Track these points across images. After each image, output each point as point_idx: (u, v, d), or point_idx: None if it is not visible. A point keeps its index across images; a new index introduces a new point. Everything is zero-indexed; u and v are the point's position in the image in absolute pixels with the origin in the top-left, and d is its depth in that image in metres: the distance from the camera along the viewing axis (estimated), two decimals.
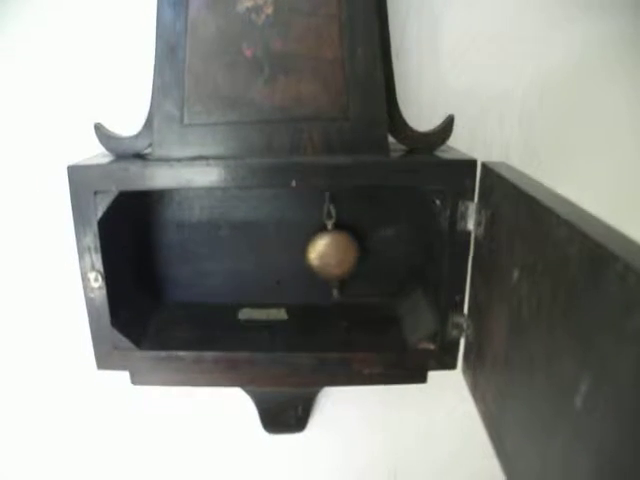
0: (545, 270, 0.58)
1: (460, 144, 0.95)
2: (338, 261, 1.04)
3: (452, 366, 0.94)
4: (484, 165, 0.80)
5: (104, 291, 0.89)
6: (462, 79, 1.03)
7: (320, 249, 1.03)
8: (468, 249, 0.86)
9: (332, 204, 1.03)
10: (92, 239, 0.87)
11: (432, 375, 0.96)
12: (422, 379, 0.97)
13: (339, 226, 1.04)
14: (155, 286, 1.10)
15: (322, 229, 1.04)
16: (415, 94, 1.03)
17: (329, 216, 1.03)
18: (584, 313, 0.49)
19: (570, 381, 0.50)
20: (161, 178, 0.84)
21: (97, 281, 0.88)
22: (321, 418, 1.24)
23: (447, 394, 1.23)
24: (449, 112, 0.91)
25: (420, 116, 0.99)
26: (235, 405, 1.22)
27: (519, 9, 1.00)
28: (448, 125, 0.90)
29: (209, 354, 0.95)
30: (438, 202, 0.85)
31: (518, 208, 0.67)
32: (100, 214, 0.86)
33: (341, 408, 1.24)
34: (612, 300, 0.44)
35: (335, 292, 1.08)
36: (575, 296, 0.51)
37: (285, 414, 1.15)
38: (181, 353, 0.95)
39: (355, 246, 1.04)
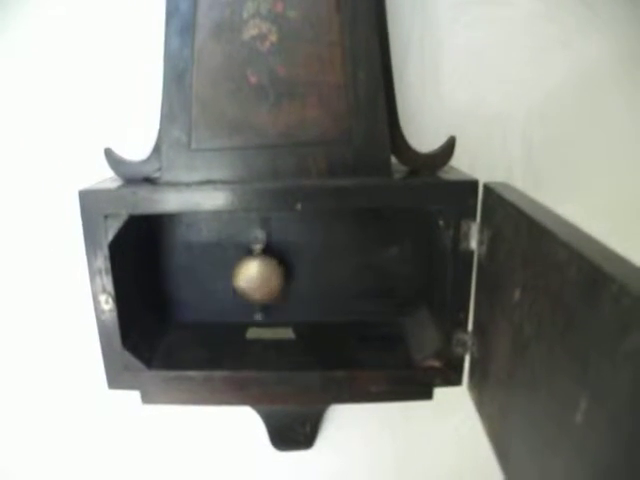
0: (545, 290, 0.59)
1: (462, 164, 0.96)
2: (260, 286, 1.04)
3: (457, 383, 0.95)
4: (486, 186, 0.82)
5: (115, 313, 0.91)
6: (464, 100, 1.04)
7: (247, 273, 1.04)
8: (471, 268, 0.87)
9: (262, 228, 1.05)
10: (103, 262, 0.88)
11: (437, 391, 0.97)
12: (428, 396, 0.97)
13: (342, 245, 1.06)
14: (164, 307, 1.11)
15: (249, 253, 1.06)
16: (417, 115, 1.04)
17: (257, 240, 1.05)
18: (581, 333, 0.50)
19: (570, 398, 0.51)
20: (170, 202, 0.86)
21: (108, 303, 0.90)
22: (329, 435, 1.24)
23: (453, 410, 1.23)
24: (451, 133, 0.92)
25: (422, 137, 1.00)
26: (244, 422, 1.23)
27: (520, 31, 1.01)
28: (450, 146, 0.91)
29: (218, 374, 0.96)
30: (441, 222, 0.86)
31: (518, 229, 0.68)
32: (110, 237, 0.87)
33: (348, 425, 1.24)
34: (608, 321, 0.45)
35: (258, 315, 1.09)
36: (573, 316, 0.52)
37: (293, 431, 1.15)
38: (191, 373, 0.96)
39: (280, 273, 1.05)
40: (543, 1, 1.00)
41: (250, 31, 0.86)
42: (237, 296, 1.06)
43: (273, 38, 0.86)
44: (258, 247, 1.05)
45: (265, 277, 1.04)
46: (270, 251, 1.06)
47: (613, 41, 1.01)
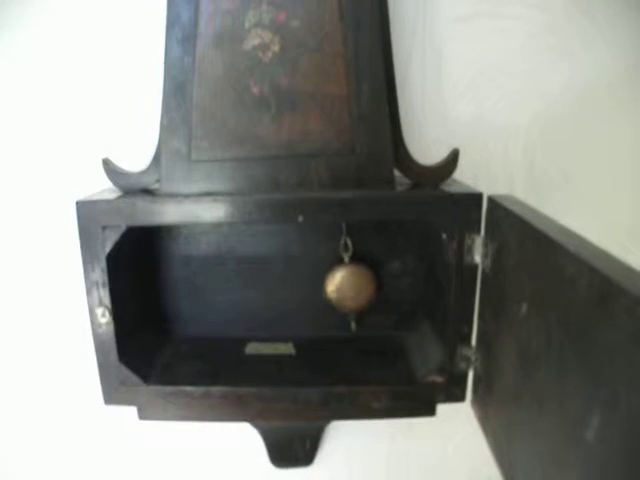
0: (554, 304, 0.58)
1: (465, 176, 0.95)
2: (355, 294, 1.03)
3: (461, 399, 0.93)
4: (490, 198, 0.81)
5: (112, 326, 0.89)
6: (466, 112, 1.04)
7: (338, 282, 1.03)
8: (475, 281, 0.86)
9: (349, 236, 1.03)
10: (100, 274, 0.87)
11: (439, 406, 0.96)
12: (431, 412, 0.96)
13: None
14: (162, 320, 1.10)
15: (339, 262, 1.04)
16: (419, 127, 1.03)
17: (346, 249, 1.04)
18: (593, 347, 0.49)
19: (581, 414, 0.50)
20: (169, 213, 0.85)
21: (105, 316, 0.88)
22: (329, 451, 1.23)
23: (455, 426, 1.22)
24: (453, 145, 0.92)
25: (425, 149, 1.00)
26: (242, 438, 1.21)
27: (522, 42, 1.01)
28: (453, 159, 0.91)
29: (217, 389, 0.94)
30: (445, 235, 0.85)
31: (525, 242, 0.67)
32: (108, 249, 0.86)
33: (349, 441, 1.23)
34: (621, 334, 0.44)
35: (353, 325, 1.08)
36: (584, 330, 0.51)
37: (293, 448, 1.14)
38: (188, 388, 0.94)
39: (372, 278, 1.04)
40: (544, 12, 0.99)
41: (252, 41, 0.85)
42: (327, 307, 1.06)
43: (275, 48, 0.85)
44: (347, 255, 1.04)
45: (359, 283, 1.04)
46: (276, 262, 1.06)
47: (614, 52, 1.01)
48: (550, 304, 0.59)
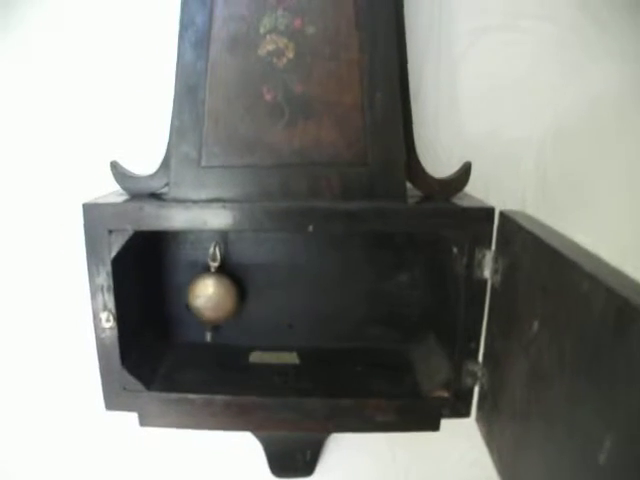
0: (568, 323, 0.57)
1: (476, 189, 0.94)
2: (214, 305, 1.03)
3: (466, 414, 0.92)
4: (502, 214, 0.80)
5: (115, 331, 0.88)
6: (479, 125, 1.04)
7: (200, 291, 1.03)
8: (484, 297, 0.85)
9: (218, 247, 1.03)
10: (105, 278, 0.86)
11: (443, 421, 0.95)
12: (435, 427, 0.95)
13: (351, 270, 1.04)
14: (166, 326, 1.09)
15: (206, 271, 1.04)
16: (432, 139, 1.03)
17: (214, 258, 1.03)
18: (608, 368, 0.48)
19: (593, 437, 0.49)
20: (176, 219, 0.84)
21: (109, 321, 0.87)
22: (329, 463, 1.22)
23: (457, 441, 1.21)
24: (465, 158, 0.91)
25: (436, 161, 1.00)
26: (242, 448, 1.20)
27: (536, 57, 1.01)
28: (466, 172, 0.90)
29: (219, 398, 0.93)
30: (455, 249, 0.84)
31: (539, 259, 0.66)
32: (114, 253, 0.85)
33: (350, 453, 1.22)
34: (637, 355, 0.43)
35: (208, 335, 1.07)
36: (599, 350, 0.49)
37: (293, 458, 1.12)
38: (191, 396, 0.93)
39: (235, 292, 1.04)
40: (557, 26, 0.99)
41: (267, 46, 0.84)
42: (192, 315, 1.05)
43: (290, 54, 0.84)
44: (214, 265, 1.04)
45: (221, 295, 1.03)
46: (272, 270, 1.05)
47: (624, 63, 1.01)
48: (563, 323, 0.58)
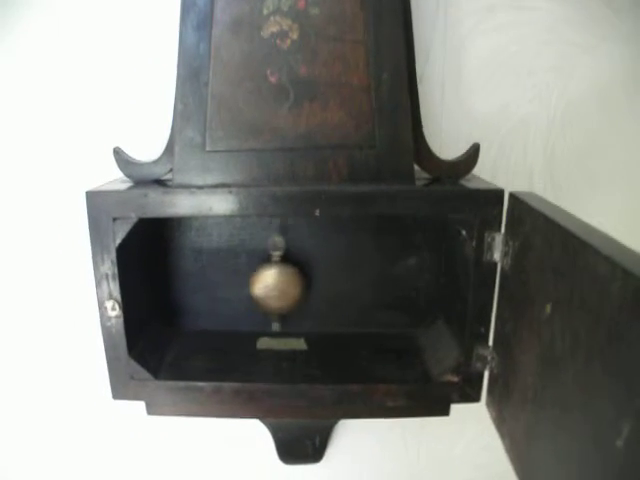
0: (582, 305, 0.56)
1: (483, 172, 0.94)
2: (280, 294, 1.02)
3: (476, 399, 0.92)
4: (512, 195, 0.78)
5: (121, 320, 0.87)
6: (486, 106, 1.02)
7: (265, 281, 1.02)
8: (494, 280, 0.85)
9: (281, 235, 1.02)
10: (110, 266, 0.85)
11: (453, 405, 0.95)
12: (445, 412, 0.96)
13: (358, 254, 1.03)
14: (172, 314, 1.08)
15: (268, 261, 1.03)
16: (438, 121, 1.02)
17: (276, 247, 1.02)
18: (625, 351, 0.47)
19: (610, 422, 0.48)
20: (181, 205, 0.83)
21: (114, 310, 0.87)
22: (338, 448, 1.22)
23: (466, 425, 1.21)
24: (472, 140, 0.90)
25: (442, 143, 0.98)
26: (251, 434, 1.20)
27: (544, 36, 0.99)
28: (474, 154, 0.89)
29: (227, 385, 0.92)
30: (464, 232, 0.83)
31: (551, 241, 0.65)
32: (119, 241, 0.84)
33: (359, 438, 1.22)
34: None
35: (276, 325, 1.07)
36: (616, 333, 0.49)
37: (302, 444, 1.12)
38: (199, 384, 0.92)
39: (300, 280, 1.03)
40: (566, 5, 0.98)
41: (270, 28, 0.83)
42: (254, 304, 1.03)
43: (294, 36, 0.83)
44: (277, 254, 1.02)
45: (286, 284, 1.01)
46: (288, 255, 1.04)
47: (635, 44, 1.00)
48: (577, 306, 0.57)
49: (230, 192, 0.82)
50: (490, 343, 0.88)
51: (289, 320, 1.07)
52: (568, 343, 0.59)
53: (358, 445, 1.23)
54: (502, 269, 0.83)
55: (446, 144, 0.98)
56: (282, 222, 1.02)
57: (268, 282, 1.01)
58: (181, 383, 0.93)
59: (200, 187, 0.84)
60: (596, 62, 1.00)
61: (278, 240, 1.02)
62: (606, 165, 1.05)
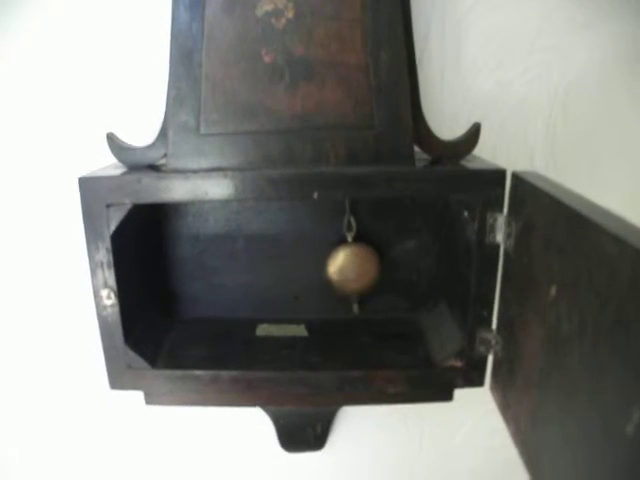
0: (589, 287, 0.54)
1: (483, 153, 0.92)
2: (357, 275, 1.01)
3: (479, 384, 0.91)
4: (515, 175, 0.77)
5: (117, 308, 0.86)
6: (486, 87, 1.01)
7: (340, 262, 1.00)
8: (497, 262, 0.83)
9: (352, 215, 1.00)
10: (105, 254, 0.84)
11: (456, 389, 0.94)
12: (448, 397, 0.95)
13: (359, 238, 1.02)
14: (169, 302, 1.08)
15: (342, 241, 1.02)
16: (438, 101, 1.00)
17: (349, 228, 1.00)
18: (635, 334, 0.45)
19: (619, 406, 0.47)
20: (176, 190, 0.81)
21: (110, 298, 0.85)
22: (340, 436, 1.21)
23: (470, 410, 1.20)
24: (472, 120, 0.89)
25: (442, 124, 0.97)
26: (252, 422, 1.19)
27: (544, 16, 0.98)
28: (474, 134, 0.87)
29: (226, 373, 0.91)
30: (466, 214, 0.82)
31: (556, 221, 0.63)
32: (113, 228, 0.83)
33: (361, 425, 1.22)
34: None
35: (355, 307, 1.05)
36: (625, 315, 0.47)
37: (303, 432, 1.12)
38: (197, 372, 0.91)
39: (376, 259, 1.01)
40: None
41: (265, 7, 0.81)
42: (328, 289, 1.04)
43: (289, 14, 0.81)
44: (350, 235, 1.02)
45: (362, 264, 1.01)
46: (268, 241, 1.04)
47: (638, 23, 0.98)
48: (584, 288, 0.55)
49: (225, 176, 0.81)
50: (494, 327, 0.87)
51: (288, 306, 1.07)
52: (574, 326, 0.57)
53: (361, 432, 1.22)
54: (505, 251, 0.82)
55: (446, 124, 0.97)
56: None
57: (344, 264, 1.01)
58: (178, 372, 0.92)
59: (195, 171, 0.83)
60: (597, 41, 0.99)
61: (352, 220, 1.01)
62: (608, 144, 1.04)
